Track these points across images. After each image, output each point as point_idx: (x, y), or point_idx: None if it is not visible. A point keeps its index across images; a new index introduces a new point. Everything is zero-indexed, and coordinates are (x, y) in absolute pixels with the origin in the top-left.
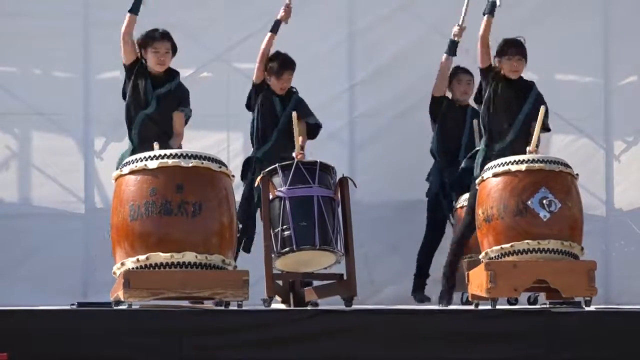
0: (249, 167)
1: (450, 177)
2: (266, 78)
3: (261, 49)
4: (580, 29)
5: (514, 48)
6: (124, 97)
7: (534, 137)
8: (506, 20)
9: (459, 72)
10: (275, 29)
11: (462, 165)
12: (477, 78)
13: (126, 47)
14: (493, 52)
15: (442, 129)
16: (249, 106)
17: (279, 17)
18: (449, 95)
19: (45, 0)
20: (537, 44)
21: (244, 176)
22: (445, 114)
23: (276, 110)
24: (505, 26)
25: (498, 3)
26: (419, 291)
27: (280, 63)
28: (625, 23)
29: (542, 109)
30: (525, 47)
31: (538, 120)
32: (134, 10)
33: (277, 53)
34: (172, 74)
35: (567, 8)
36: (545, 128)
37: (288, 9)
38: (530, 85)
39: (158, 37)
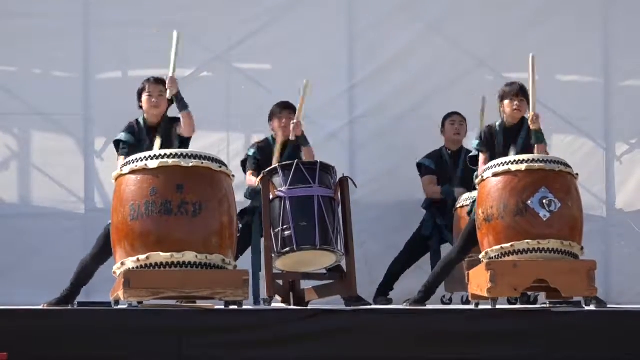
0: (245, 215)
1: (448, 223)
2: (269, 127)
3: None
4: (581, 29)
5: (515, 90)
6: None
7: (531, 103)
8: (507, 21)
9: (452, 114)
10: None
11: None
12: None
13: None
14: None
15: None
16: (244, 168)
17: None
18: (442, 139)
19: (45, 0)
20: (537, 44)
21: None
22: (439, 167)
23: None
24: (507, 26)
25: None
26: (380, 296)
27: (279, 105)
28: (626, 24)
29: (530, 56)
30: (527, 91)
31: (530, 73)
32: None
33: (278, 102)
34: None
35: (567, 8)
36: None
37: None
38: (522, 121)
39: (151, 81)
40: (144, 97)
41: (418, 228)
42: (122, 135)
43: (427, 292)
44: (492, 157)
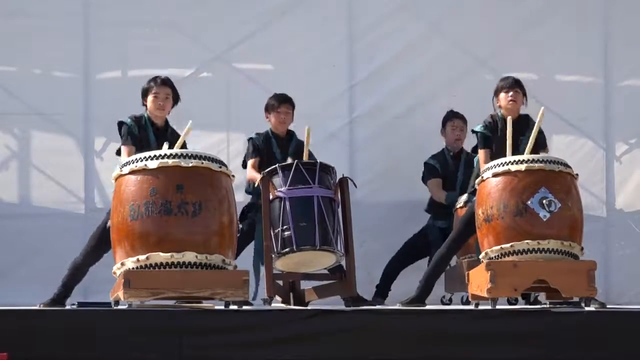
0: (249, 212)
1: (449, 226)
2: (266, 119)
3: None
4: (581, 29)
5: (510, 83)
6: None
7: (529, 142)
8: (507, 21)
9: (453, 118)
10: None
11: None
12: (470, 120)
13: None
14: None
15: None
16: (245, 165)
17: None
18: (442, 139)
19: (45, 0)
20: (537, 44)
21: (242, 219)
22: (444, 169)
23: (276, 156)
24: (506, 26)
25: None
26: (378, 297)
27: (277, 98)
28: (626, 23)
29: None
30: (523, 85)
31: (537, 122)
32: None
33: (274, 93)
34: (168, 125)
35: (567, 8)
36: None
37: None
38: (526, 119)
39: (159, 83)
40: (150, 97)
41: (422, 232)
42: (128, 121)
43: (425, 288)
44: (496, 151)
